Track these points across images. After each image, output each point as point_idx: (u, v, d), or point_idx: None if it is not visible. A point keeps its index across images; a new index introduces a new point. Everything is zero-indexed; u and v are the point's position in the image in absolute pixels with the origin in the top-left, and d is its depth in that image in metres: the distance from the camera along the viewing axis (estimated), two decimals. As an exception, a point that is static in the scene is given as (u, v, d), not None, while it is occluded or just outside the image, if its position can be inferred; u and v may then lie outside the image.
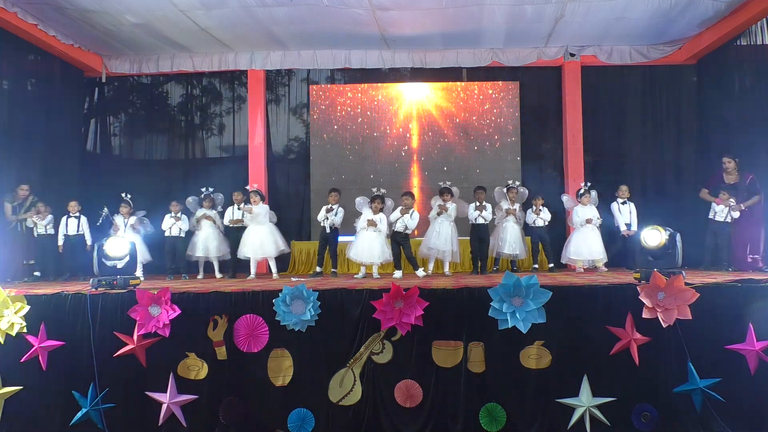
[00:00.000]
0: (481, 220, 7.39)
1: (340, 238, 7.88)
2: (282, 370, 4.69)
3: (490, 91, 9.49)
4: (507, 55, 9.10)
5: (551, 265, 7.90)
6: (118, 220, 7.57)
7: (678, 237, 4.83)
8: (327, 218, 7.32)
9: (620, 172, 9.20)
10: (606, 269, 7.49)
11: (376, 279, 6.54)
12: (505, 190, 7.86)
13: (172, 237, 7.70)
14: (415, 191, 9.24)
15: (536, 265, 7.96)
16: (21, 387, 4.69)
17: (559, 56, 9.09)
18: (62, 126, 8.73)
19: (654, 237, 4.87)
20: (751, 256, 7.10)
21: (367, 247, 6.82)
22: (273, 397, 4.68)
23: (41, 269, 7.59)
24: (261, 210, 7.38)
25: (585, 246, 7.59)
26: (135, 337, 4.58)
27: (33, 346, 4.66)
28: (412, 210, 6.98)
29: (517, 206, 7.79)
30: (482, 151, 9.41)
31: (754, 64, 7.72)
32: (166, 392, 4.62)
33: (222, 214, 7.86)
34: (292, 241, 8.83)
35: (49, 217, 7.59)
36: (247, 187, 7.87)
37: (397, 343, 4.68)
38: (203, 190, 7.85)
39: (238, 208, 7.64)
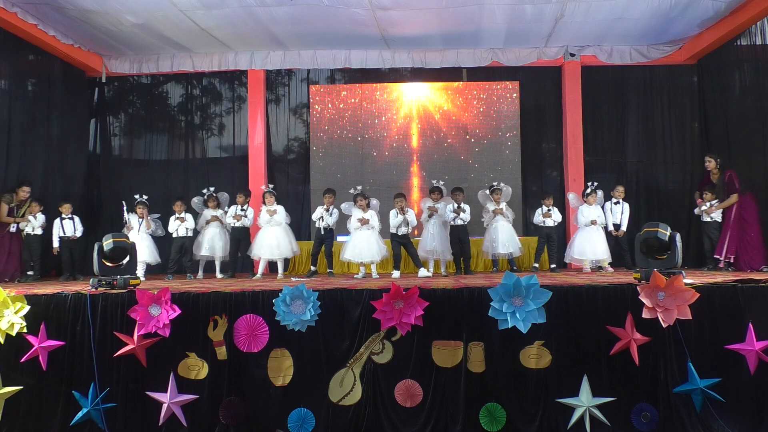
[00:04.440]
0: (459, 222, 7.34)
1: (340, 238, 7.88)
2: (282, 370, 4.70)
3: (490, 91, 9.49)
4: (507, 55, 9.10)
5: (553, 265, 7.91)
6: (133, 219, 7.57)
7: (678, 237, 4.83)
8: (322, 218, 7.33)
9: (620, 172, 9.23)
10: (612, 269, 7.49)
11: (375, 279, 6.54)
12: (488, 192, 7.84)
13: (181, 237, 7.68)
14: (415, 191, 9.27)
15: (536, 264, 7.97)
16: (21, 387, 4.68)
17: (559, 56, 9.09)
18: (63, 126, 8.74)
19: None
20: (717, 256, 7.13)
21: (365, 246, 6.83)
22: (273, 397, 4.68)
23: (31, 268, 7.57)
24: (281, 210, 7.44)
25: (589, 246, 7.60)
26: (135, 337, 4.58)
27: (33, 346, 4.65)
28: (407, 209, 7.03)
29: (503, 205, 7.77)
30: (482, 151, 9.40)
31: (754, 64, 7.72)
32: (166, 392, 4.62)
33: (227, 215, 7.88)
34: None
35: (41, 216, 7.57)
36: (263, 187, 7.90)
37: (397, 343, 4.68)
38: (204, 191, 7.87)
39: (241, 209, 7.64)
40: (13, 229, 7.42)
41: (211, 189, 7.91)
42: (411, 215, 7.04)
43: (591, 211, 7.73)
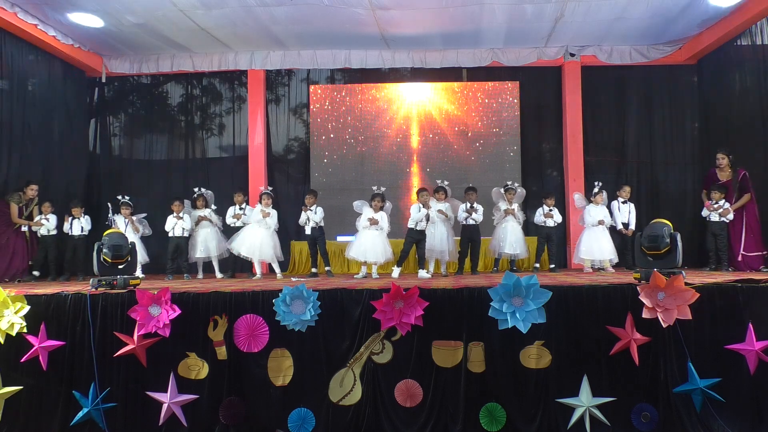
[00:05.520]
0: (471, 221, 7.36)
1: (340, 238, 7.89)
2: (282, 370, 4.70)
3: (490, 91, 9.49)
4: (507, 55, 9.10)
5: (552, 265, 7.91)
6: (119, 220, 7.59)
7: (678, 237, 4.82)
8: (308, 219, 7.33)
9: (620, 172, 9.23)
10: (613, 270, 7.49)
11: (375, 279, 6.53)
12: (503, 190, 7.85)
13: (176, 237, 7.68)
14: (415, 191, 9.24)
15: (537, 265, 7.97)
16: (21, 387, 4.68)
17: (559, 56, 9.09)
18: (63, 126, 8.74)
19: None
20: (743, 253, 7.11)
21: (370, 246, 6.82)
22: (273, 397, 4.68)
23: (44, 270, 7.60)
24: (274, 215, 7.44)
25: (596, 246, 7.61)
26: (135, 337, 4.58)
27: (33, 346, 4.65)
28: (430, 204, 7.06)
29: (515, 206, 7.78)
30: (482, 151, 9.41)
31: (754, 64, 7.72)
32: (166, 392, 4.62)
33: (216, 212, 7.88)
34: (292, 241, 8.84)
35: (54, 217, 7.62)
36: (261, 188, 7.90)
37: (397, 343, 4.68)
38: (195, 190, 7.88)
39: (240, 208, 7.65)
40: (25, 229, 7.46)
41: (201, 190, 7.90)
42: (433, 211, 7.03)
43: (598, 211, 7.73)
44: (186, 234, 7.73)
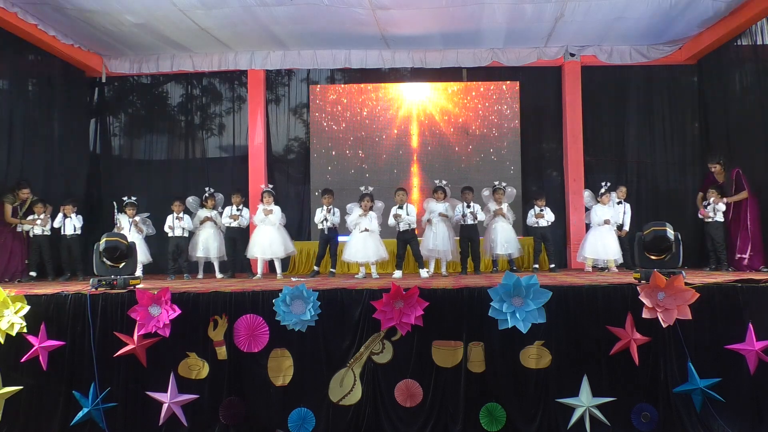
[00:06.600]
0: (469, 221, 7.38)
1: (340, 238, 7.88)
2: (282, 370, 4.70)
3: (490, 91, 9.49)
4: (507, 55, 9.10)
5: (552, 265, 7.91)
6: (123, 219, 7.59)
7: (678, 237, 4.83)
8: (326, 219, 7.33)
9: (620, 172, 9.22)
10: (616, 269, 7.49)
11: (376, 279, 6.54)
12: (491, 191, 7.85)
13: (176, 237, 7.69)
14: (415, 191, 9.27)
15: (536, 265, 7.97)
16: (21, 387, 4.68)
17: (559, 56, 9.09)
18: (63, 126, 8.74)
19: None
20: (739, 255, 7.13)
21: (361, 246, 6.83)
22: (273, 397, 4.69)
23: (38, 269, 7.58)
24: (277, 211, 7.44)
25: (602, 245, 7.62)
26: (135, 337, 4.58)
27: (33, 346, 4.66)
28: (405, 204, 7.06)
29: (505, 206, 7.76)
30: (482, 150, 9.41)
31: (754, 64, 7.72)
32: (166, 392, 4.63)
33: (221, 215, 7.90)
34: (292, 241, 8.82)
35: (46, 218, 7.58)
36: (262, 186, 7.90)
37: (397, 343, 4.68)
38: (207, 189, 7.87)
39: (237, 209, 7.65)
40: (20, 229, 7.44)
41: (211, 189, 7.91)
42: (410, 209, 7.03)
43: (605, 211, 7.73)
44: (186, 234, 7.74)
